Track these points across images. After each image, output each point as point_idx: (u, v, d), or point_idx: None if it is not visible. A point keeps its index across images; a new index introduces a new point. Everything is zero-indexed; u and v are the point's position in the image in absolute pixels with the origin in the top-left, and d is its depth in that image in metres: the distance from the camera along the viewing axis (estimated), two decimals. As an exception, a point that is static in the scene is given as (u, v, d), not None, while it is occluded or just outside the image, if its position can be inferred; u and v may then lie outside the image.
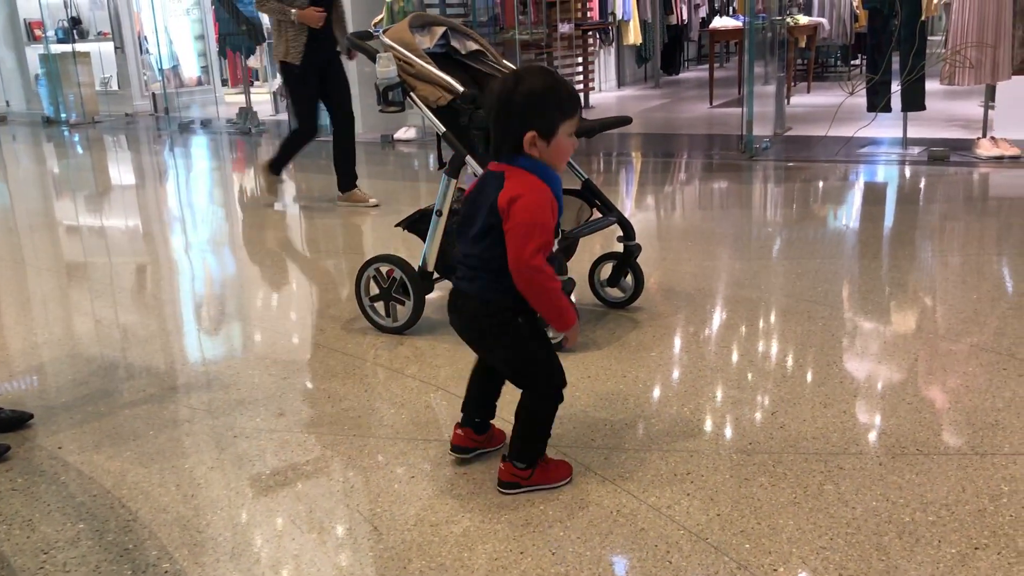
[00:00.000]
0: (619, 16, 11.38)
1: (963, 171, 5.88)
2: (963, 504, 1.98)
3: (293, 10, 5.34)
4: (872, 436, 2.34)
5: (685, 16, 12.92)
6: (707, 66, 11.04)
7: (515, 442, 2.14)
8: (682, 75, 13.98)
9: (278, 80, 10.88)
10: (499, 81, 2.04)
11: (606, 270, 3.47)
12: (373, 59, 3.08)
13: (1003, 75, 6.07)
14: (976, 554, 1.80)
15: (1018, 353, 2.82)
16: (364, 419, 2.61)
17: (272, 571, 1.88)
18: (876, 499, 2.02)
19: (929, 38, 6.98)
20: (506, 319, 2.05)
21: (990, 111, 6.49)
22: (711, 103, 10.03)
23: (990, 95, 6.54)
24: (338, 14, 5.64)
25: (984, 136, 6.26)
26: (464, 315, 2.13)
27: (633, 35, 11.74)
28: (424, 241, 3.20)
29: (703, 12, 13.59)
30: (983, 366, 2.75)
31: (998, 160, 5.98)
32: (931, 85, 6.47)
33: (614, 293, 3.47)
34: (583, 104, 10.30)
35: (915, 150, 6.41)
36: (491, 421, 2.33)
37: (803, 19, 9.78)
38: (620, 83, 12.91)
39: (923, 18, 6.23)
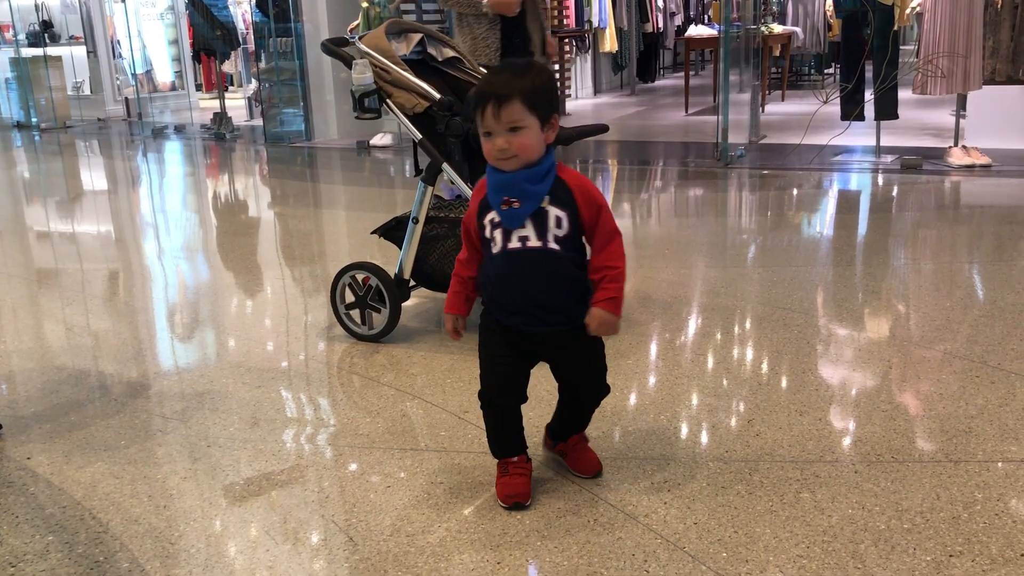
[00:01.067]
0: (595, 24, 11.43)
1: (935, 179, 5.94)
2: (938, 511, 1.99)
3: None
4: (847, 443, 2.35)
5: (661, 24, 12.99)
6: (682, 74, 11.11)
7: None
8: (658, 83, 14.05)
9: (253, 85, 10.83)
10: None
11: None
12: (349, 65, 3.07)
13: (974, 85, 6.15)
14: (951, 561, 1.81)
15: (990, 360, 2.84)
16: (339, 428, 2.58)
17: (246, 583, 1.85)
18: (852, 507, 2.03)
19: (902, 47, 7.06)
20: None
21: (962, 120, 6.57)
22: (687, 111, 10.08)
23: (962, 104, 6.62)
24: (534, 5, 4.63)
25: (956, 145, 6.33)
26: None
27: (609, 43, 11.79)
28: (400, 248, 3.18)
29: (679, 20, 13.68)
30: (956, 373, 2.77)
31: (970, 168, 6.05)
32: (904, 94, 6.54)
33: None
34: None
35: (888, 158, 6.47)
36: (571, 435, 2.28)
37: (777, 28, 9.86)
38: (596, 90, 12.95)
39: (895, 28, 6.30)
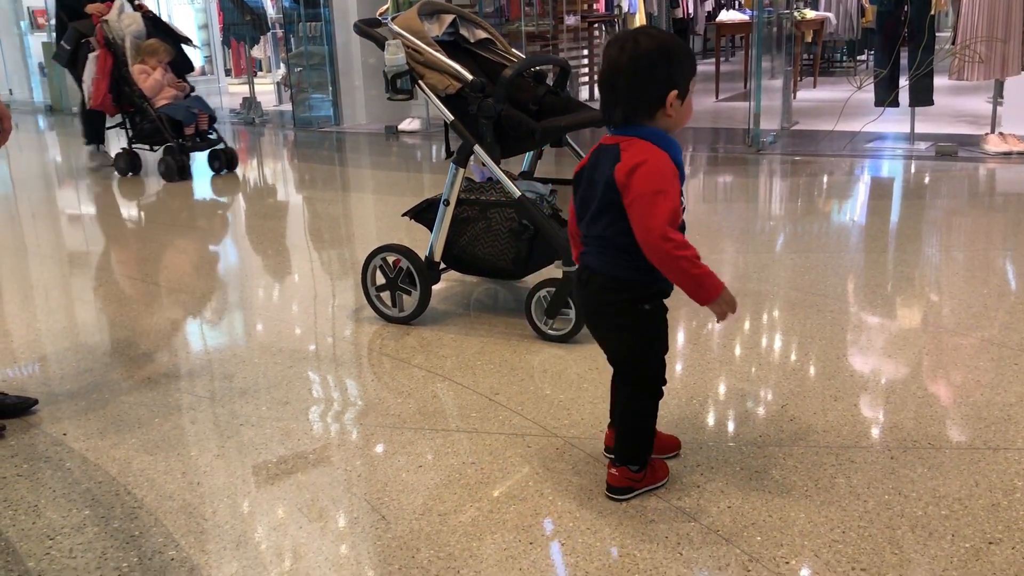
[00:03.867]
0: (625, 9, 11.33)
1: (971, 167, 5.85)
2: (976, 498, 1.97)
3: None
4: (882, 430, 2.32)
5: (691, 10, 12.88)
6: (712, 60, 11.00)
7: (625, 445, 2.04)
8: (687, 69, 13.93)
9: (282, 70, 10.86)
10: (614, 47, 1.87)
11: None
12: (381, 46, 3.06)
13: (1012, 70, 6.04)
14: (990, 548, 1.78)
15: (1029, 348, 2.79)
16: (369, 409, 2.59)
17: (277, 559, 1.86)
18: (888, 492, 2.00)
19: (937, 34, 6.95)
20: (632, 299, 1.95)
21: (999, 107, 6.46)
22: (717, 97, 10.00)
23: (999, 91, 6.50)
24: None
25: (992, 132, 6.23)
26: (590, 289, 1.98)
27: (639, 28, 11.68)
28: (431, 231, 3.18)
29: (709, 6, 13.55)
30: (992, 360, 2.73)
31: (1006, 156, 5.95)
32: (939, 80, 6.44)
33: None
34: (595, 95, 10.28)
35: (922, 145, 6.38)
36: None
37: (810, 13, 9.74)
38: (625, 76, 12.85)
39: (932, 13, 6.19)
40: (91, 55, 6.46)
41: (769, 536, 1.86)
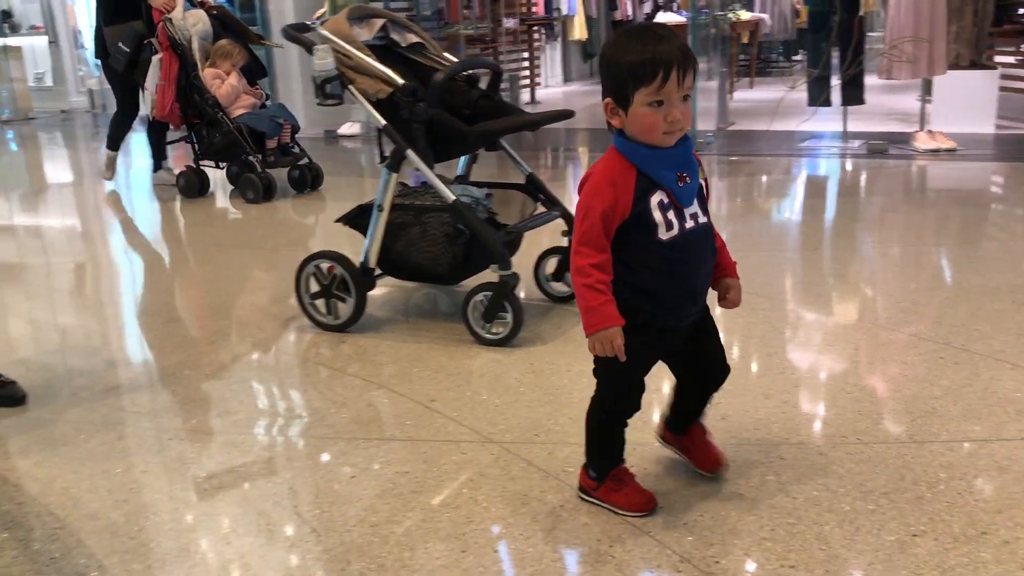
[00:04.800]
0: (564, 11, 11.40)
1: (902, 164, 5.98)
2: (902, 492, 2.00)
3: None
4: (813, 426, 2.35)
5: (630, 12, 12.97)
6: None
7: (586, 442, 2.03)
8: (628, 70, 14.03)
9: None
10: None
11: (551, 264, 3.45)
12: (310, 51, 3.02)
13: (939, 69, 6.19)
14: (914, 540, 1.82)
15: (955, 341, 2.86)
16: (304, 419, 2.55)
17: (206, 577, 1.83)
18: (817, 488, 2.03)
19: (869, 34, 7.10)
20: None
21: (927, 105, 6.61)
22: (656, 98, 10.08)
23: (927, 89, 6.66)
24: None
25: (921, 129, 6.38)
26: None
27: (579, 30, 11.76)
28: (365, 237, 3.15)
29: (648, 8, 13.66)
30: (922, 355, 2.78)
31: (935, 153, 6.10)
32: (870, 80, 6.58)
33: (559, 287, 3.45)
34: (525, 99, 10.29)
35: (855, 143, 6.50)
36: (692, 426, 2.12)
37: (745, 15, 9.88)
38: (566, 78, 12.93)
39: (861, 13, 6.32)
40: (154, 59, 5.50)
41: (700, 536, 1.87)
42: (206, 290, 3.99)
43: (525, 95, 10.16)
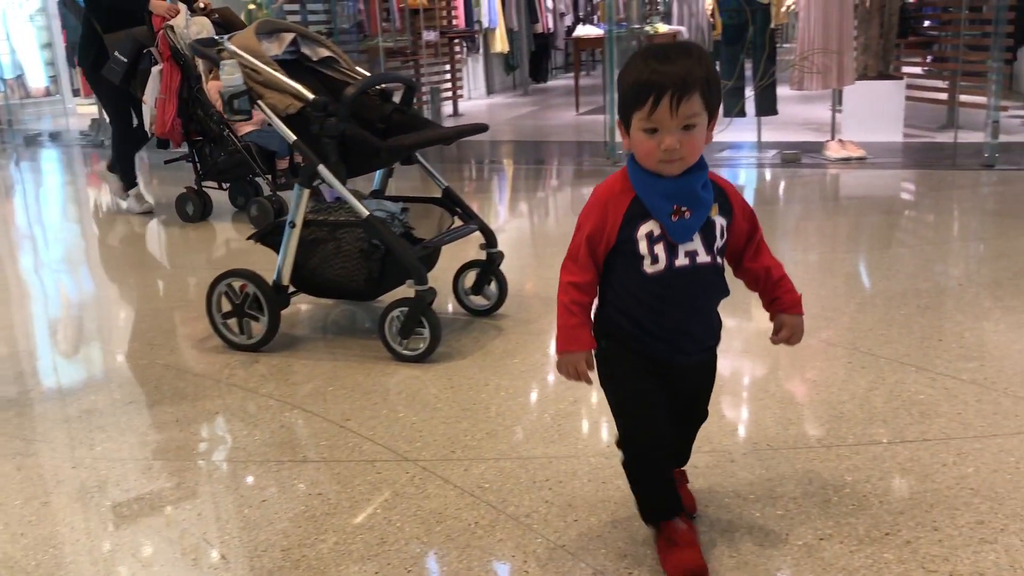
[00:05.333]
0: (485, 24, 11.43)
1: (815, 172, 6.13)
2: (810, 496, 2.04)
3: None
4: (724, 434, 2.38)
5: (551, 25, 13.09)
6: (572, 75, 11.20)
7: None
8: (550, 83, 14.14)
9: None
10: None
11: (470, 278, 3.44)
12: (217, 66, 2.97)
13: (848, 80, 6.38)
14: (821, 544, 1.85)
15: (861, 346, 2.93)
16: (215, 443, 2.49)
17: (108, 611, 1.76)
18: (728, 496, 2.05)
19: (785, 45, 7.27)
20: (598, 341, 1.77)
21: (838, 115, 6.80)
22: (577, 110, 10.17)
23: (837, 99, 6.85)
24: None
25: (833, 139, 6.55)
26: None
27: (500, 43, 11.81)
28: (278, 253, 3.10)
29: (569, 20, 13.80)
30: (831, 360, 2.85)
31: (846, 161, 6.27)
32: (784, 91, 6.73)
33: (478, 301, 3.44)
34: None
35: (770, 153, 6.65)
36: (681, 468, 2.00)
37: (663, 27, 10.04)
38: (489, 91, 12.96)
39: (773, 25, 6.48)
40: (154, 70, 4.91)
41: (613, 547, 1.88)
42: (117, 311, 3.88)
43: (448, 107, 10.15)
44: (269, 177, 4.75)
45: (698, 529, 1.88)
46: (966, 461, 2.16)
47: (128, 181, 5.69)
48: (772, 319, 1.84)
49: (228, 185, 5.44)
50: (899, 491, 2.04)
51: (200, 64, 4.66)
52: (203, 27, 4.97)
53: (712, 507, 2.01)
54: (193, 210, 5.36)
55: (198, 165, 5.17)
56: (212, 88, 4.63)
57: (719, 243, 1.71)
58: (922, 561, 1.78)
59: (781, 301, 1.82)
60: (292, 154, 4.70)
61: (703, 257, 1.69)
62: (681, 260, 1.67)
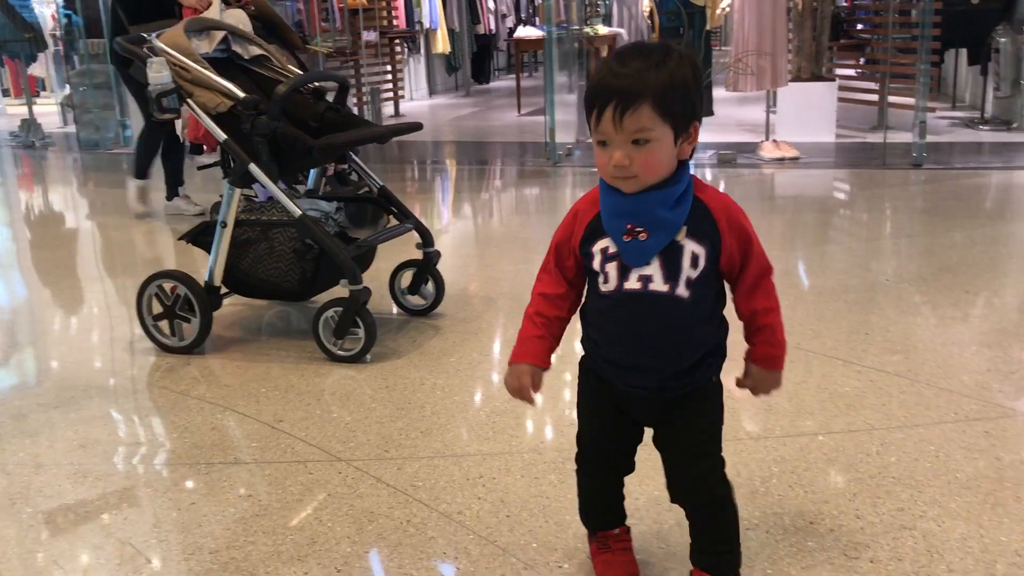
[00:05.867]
0: (426, 25, 11.40)
1: (751, 172, 6.24)
2: (737, 487, 2.04)
3: None
4: (658, 428, 2.40)
5: (492, 26, 13.11)
6: (513, 76, 11.24)
7: None
8: (492, 84, 14.17)
9: (67, 90, 10.23)
10: None
11: (406, 277, 3.43)
12: (145, 64, 2.91)
13: (781, 82, 6.50)
14: (747, 534, 1.88)
15: (792, 340, 2.96)
16: (144, 447, 2.45)
17: (28, 619, 1.72)
18: (658, 488, 2.06)
19: (723, 48, 7.38)
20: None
21: (772, 115, 6.92)
22: (519, 111, 10.21)
23: (772, 101, 6.97)
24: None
25: (767, 139, 6.67)
26: None
27: (441, 44, 11.79)
28: (209, 254, 3.05)
29: (510, 22, 13.83)
30: (761, 354, 2.89)
31: (780, 161, 6.38)
32: (719, 92, 6.83)
33: (415, 300, 3.43)
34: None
35: (707, 153, 6.74)
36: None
37: (603, 29, 10.11)
38: (431, 92, 12.94)
39: (708, 28, 6.57)
40: None
41: (544, 542, 1.89)
42: (46, 315, 3.79)
43: (389, 108, 10.10)
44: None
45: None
46: (889, 451, 2.22)
47: (172, 182, 5.41)
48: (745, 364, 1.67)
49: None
50: (824, 481, 2.09)
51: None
52: (239, 21, 4.22)
53: (642, 498, 2.03)
54: None
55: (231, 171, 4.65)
56: None
57: (690, 273, 1.49)
58: (844, 548, 1.82)
59: (754, 351, 1.63)
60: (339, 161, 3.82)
61: (658, 285, 1.48)
62: (631, 283, 1.50)
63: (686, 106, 1.45)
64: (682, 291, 1.49)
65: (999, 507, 1.95)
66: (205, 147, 5.05)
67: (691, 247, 1.49)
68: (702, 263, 1.49)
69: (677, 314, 1.51)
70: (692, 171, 1.56)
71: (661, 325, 1.52)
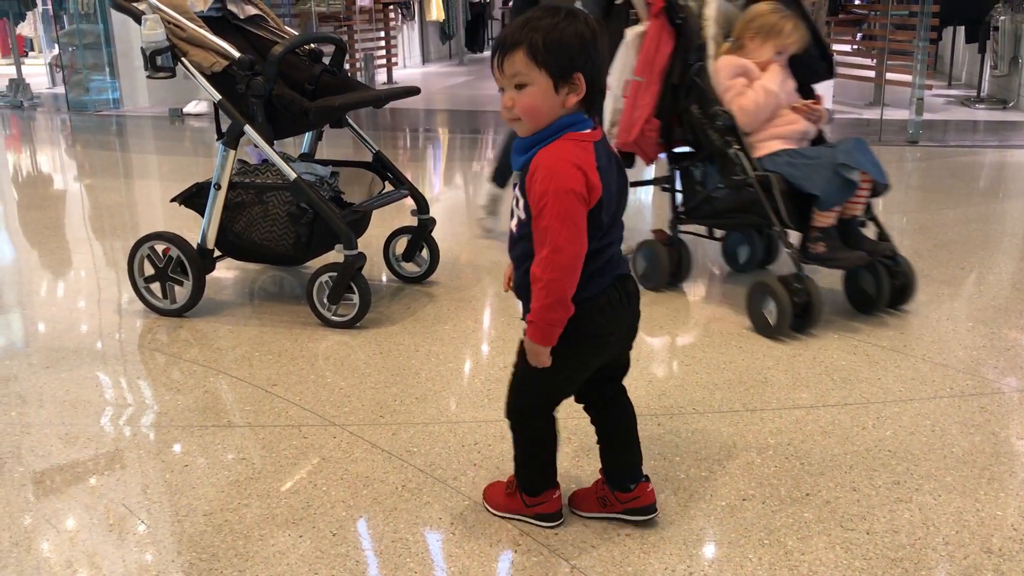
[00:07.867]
0: (421, -8, 11.28)
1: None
2: (733, 458, 2.07)
3: None
4: (652, 399, 2.40)
5: (488, -7, 12.98)
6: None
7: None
8: (486, 52, 14.04)
9: (55, 50, 10.09)
10: None
11: (401, 244, 3.41)
12: (139, 21, 2.86)
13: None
14: (743, 504, 1.88)
15: (787, 314, 2.98)
16: (138, 409, 2.43)
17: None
18: (655, 458, 2.07)
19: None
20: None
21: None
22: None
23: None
24: None
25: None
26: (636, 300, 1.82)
27: (436, 11, 11.67)
28: (202, 216, 3.02)
29: (505, -10, 13.70)
30: (752, 329, 2.88)
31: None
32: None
33: (410, 267, 3.41)
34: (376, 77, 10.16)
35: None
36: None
37: None
38: (425, 60, 12.83)
39: None
40: (630, 33, 3.06)
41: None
42: (36, 277, 3.75)
43: (382, 75, 10.01)
44: (789, 231, 2.88)
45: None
46: (884, 424, 2.22)
47: (499, 181, 3.98)
48: None
49: (723, 233, 3.49)
50: (820, 453, 2.09)
51: (711, 25, 2.96)
52: None
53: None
54: (656, 268, 3.24)
55: (681, 197, 3.25)
56: (722, 68, 2.93)
57: (519, 215, 1.64)
58: (840, 520, 1.82)
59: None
60: (848, 201, 2.88)
61: (513, 222, 1.68)
62: (512, 220, 1.70)
63: (562, 56, 1.54)
64: (514, 227, 1.68)
65: (995, 481, 1.96)
66: (642, 158, 3.13)
67: (517, 194, 1.65)
68: (520, 213, 1.64)
69: (514, 249, 1.70)
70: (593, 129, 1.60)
71: (514, 256, 1.71)
